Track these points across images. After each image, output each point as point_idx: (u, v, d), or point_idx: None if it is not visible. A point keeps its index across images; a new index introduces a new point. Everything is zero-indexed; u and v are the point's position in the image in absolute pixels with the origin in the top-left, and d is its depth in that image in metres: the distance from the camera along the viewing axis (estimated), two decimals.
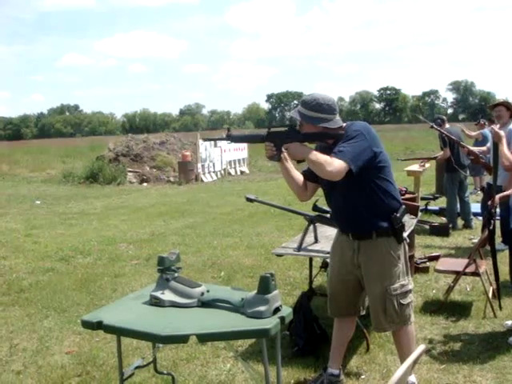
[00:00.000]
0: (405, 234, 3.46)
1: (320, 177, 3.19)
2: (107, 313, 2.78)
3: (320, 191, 3.57)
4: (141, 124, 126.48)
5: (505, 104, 6.62)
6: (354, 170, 3.05)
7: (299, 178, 3.44)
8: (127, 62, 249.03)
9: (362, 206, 3.26)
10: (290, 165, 3.35)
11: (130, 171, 19.45)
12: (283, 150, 3.23)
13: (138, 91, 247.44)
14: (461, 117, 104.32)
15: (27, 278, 6.69)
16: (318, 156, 3.09)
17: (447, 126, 9.21)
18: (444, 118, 9.30)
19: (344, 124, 3.28)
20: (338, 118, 3.27)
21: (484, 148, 7.12)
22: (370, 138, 3.17)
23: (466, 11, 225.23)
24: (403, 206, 3.41)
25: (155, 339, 2.67)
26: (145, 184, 18.64)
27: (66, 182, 19.25)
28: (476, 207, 8.93)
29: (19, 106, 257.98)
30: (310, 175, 3.40)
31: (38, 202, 14.15)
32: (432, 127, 7.33)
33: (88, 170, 19.26)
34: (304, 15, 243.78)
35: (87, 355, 4.36)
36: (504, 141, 4.37)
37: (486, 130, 13.30)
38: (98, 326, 2.63)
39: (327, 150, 3.20)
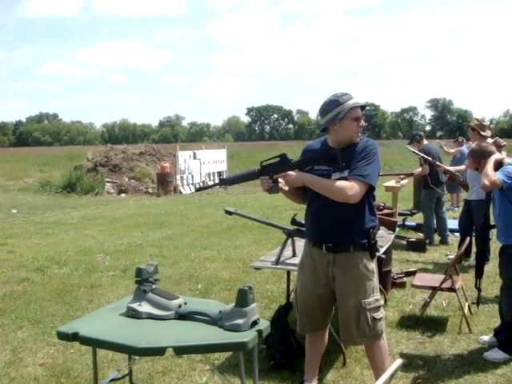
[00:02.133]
0: (382, 250, 3.50)
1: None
2: (83, 324, 2.75)
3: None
4: (120, 134, 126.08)
5: (470, 126, 7.33)
6: (375, 188, 3.25)
7: (300, 193, 3.51)
8: (108, 71, 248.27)
9: (349, 218, 3.29)
10: (289, 190, 3.40)
11: (108, 181, 19.33)
12: (280, 180, 3.29)
13: (118, 101, 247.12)
14: (438, 134, 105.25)
15: (1, 287, 6.60)
16: (329, 183, 3.20)
17: (425, 142, 9.30)
18: (422, 134, 9.40)
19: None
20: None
21: (462, 167, 7.22)
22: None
23: (444, 31, 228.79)
24: (378, 222, 3.47)
25: (132, 351, 2.65)
26: (123, 195, 18.54)
27: (43, 192, 19.06)
28: (453, 223, 9.00)
29: None
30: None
31: (15, 211, 13.98)
32: (408, 148, 7.48)
33: (66, 180, 19.09)
34: (286, 30, 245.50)
35: (61, 367, 4.30)
36: (491, 162, 4.36)
37: (464, 148, 13.48)
38: (74, 337, 2.61)
39: (320, 147, 3.35)
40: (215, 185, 3.55)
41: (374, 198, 3.39)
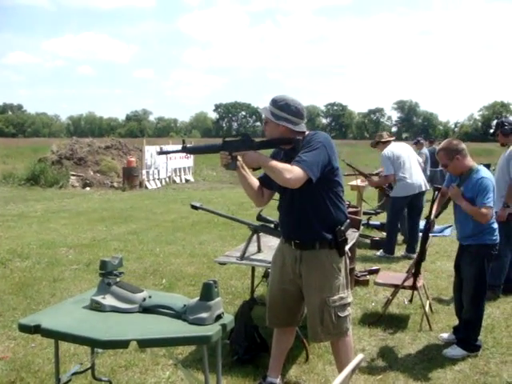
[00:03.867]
0: (346, 248, 3.53)
1: (275, 182, 3.23)
2: (46, 316, 2.72)
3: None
4: (86, 127, 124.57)
5: (373, 146, 8.37)
6: (314, 179, 3.12)
7: (256, 184, 3.49)
8: (75, 63, 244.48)
9: (312, 214, 3.32)
10: (247, 172, 3.40)
11: (73, 175, 19.10)
12: (238, 158, 3.27)
13: (84, 94, 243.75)
14: (404, 135, 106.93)
15: None
16: (276, 163, 3.15)
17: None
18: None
19: (307, 132, 3.34)
20: (303, 124, 3.34)
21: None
22: (331, 152, 3.25)
23: (412, 33, 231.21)
24: (348, 221, 3.48)
25: (95, 344, 2.64)
26: (88, 188, 18.34)
27: (6, 184, 18.73)
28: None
29: None
30: (265, 181, 3.46)
31: None
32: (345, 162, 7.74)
33: (29, 172, 18.80)
34: (257, 27, 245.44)
35: (22, 361, 4.24)
36: (461, 200, 4.39)
37: (425, 149, 13.73)
38: (36, 329, 2.58)
39: (283, 158, 3.28)
40: (178, 151, 3.55)
41: (338, 192, 3.37)
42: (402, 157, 7.86)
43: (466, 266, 4.49)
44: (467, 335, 4.47)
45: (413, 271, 5.12)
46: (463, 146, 4.44)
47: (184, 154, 20.66)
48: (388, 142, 8.09)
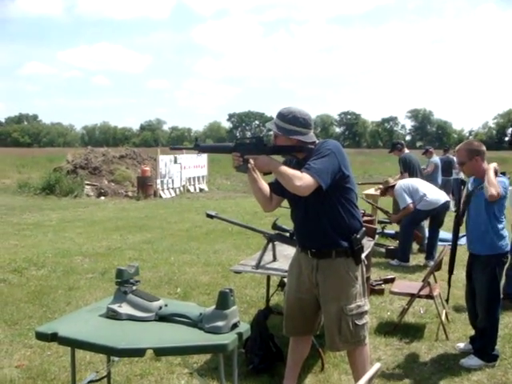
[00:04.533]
0: (363, 256, 3.51)
1: (287, 190, 3.22)
2: (62, 324, 2.73)
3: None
4: (100, 137, 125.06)
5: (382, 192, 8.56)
6: (324, 186, 3.10)
7: (266, 188, 3.46)
8: (90, 73, 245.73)
9: (326, 222, 3.30)
10: (257, 175, 3.38)
11: (87, 184, 19.21)
12: (250, 161, 3.27)
13: (99, 104, 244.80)
14: (418, 144, 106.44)
15: None
16: (286, 169, 3.14)
17: (406, 151, 9.43)
18: (403, 143, 9.53)
19: (317, 141, 3.34)
20: (312, 133, 3.34)
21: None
22: (341, 159, 3.23)
23: (426, 42, 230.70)
24: (363, 229, 3.46)
25: (111, 352, 2.64)
26: (102, 198, 18.42)
27: (22, 193, 18.87)
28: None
29: None
30: (276, 187, 3.44)
31: None
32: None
33: (45, 181, 18.92)
34: (270, 37, 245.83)
35: (38, 369, 4.26)
36: (491, 171, 4.36)
37: (436, 158, 13.64)
38: (53, 337, 2.59)
39: (295, 166, 3.26)
40: (190, 148, 3.55)
41: (352, 200, 3.35)
42: (412, 183, 8.01)
43: (478, 274, 4.45)
44: (483, 345, 4.43)
45: (429, 280, 5.09)
46: (484, 149, 4.43)
47: (198, 163, 20.88)
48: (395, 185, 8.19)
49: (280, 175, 3.17)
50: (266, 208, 3.55)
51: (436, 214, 7.95)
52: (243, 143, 3.32)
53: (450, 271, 4.87)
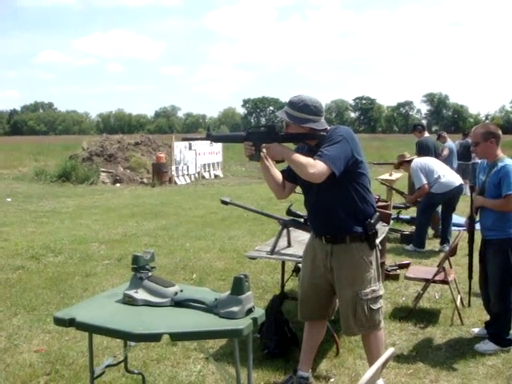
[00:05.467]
0: (377, 241, 3.52)
1: (299, 177, 3.23)
2: (80, 310, 2.77)
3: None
4: (115, 124, 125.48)
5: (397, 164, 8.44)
6: (337, 173, 3.11)
7: (278, 176, 3.47)
8: (105, 61, 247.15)
9: (339, 208, 3.31)
10: (270, 163, 3.39)
11: (103, 171, 19.31)
12: (262, 149, 3.27)
13: (114, 91, 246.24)
14: (434, 128, 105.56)
15: None
16: (299, 157, 3.14)
17: (426, 134, 9.41)
18: (424, 125, 9.47)
19: (328, 127, 3.34)
20: (323, 120, 3.33)
21: None
22: (353, 145, 3.23)
23: (442, 25, 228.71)
24: (377, 213, 3.47)
25: (128, 337, 2.67)
26: (118, 185, 18.52)
27: (38, 180, 19.01)
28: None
29: None
30: (288, 175, 3.45)
31: (9, 200, 13.96)
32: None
33: (61, 169, 19.03)
34: (284, 22, 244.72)
35: (56, 354, 4.33)
36: (485, 201, 4.44)
37: (450, 142, 13.53)
38: (71, 323, 2.62)
39: (307, 153, 3.26)
40: (202, 138, 3.56)
41: (365, 185, 3.36)
42: (428, 163, 7.91)
43: (491, 258, 4.44)
44: (498, 330, 4.43)
45: (444, 265, 5.08)
46: (500, 133, 4.43)
47: (213, 150, 20.89)
48: (411, 160, 8.08)
49: (293, 163, 3.18)
50: (278, 195, 3.57)
51: (451, 198, 7.88)
52: (255, 132, 3.33)
53: (470, 255, 4.85)
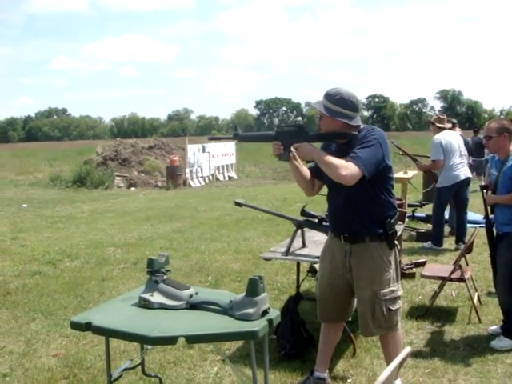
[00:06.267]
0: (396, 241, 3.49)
1: (325, 174, 3.21)
2: (96, 314, 2.78)
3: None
4: (129, 129, 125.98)
5: (429, 121, 8.37)
6: (368, 176, 3.09)
7: (307, 174, 3.46)
8: (117, 65, 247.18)
9: (363, 210, 3.29)
10: (299, 163, 3.37)
11: (117, 175, 19.42)
12: (292, 149, 3.25)
13: (127, 95, 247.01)
14: (448, 126, 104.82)
15: (14, 280, 6.66)
16: (332, 158, 3.10)
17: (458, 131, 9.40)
18: (455, 121, 9.38)
19: (362, 125, 3.31)
20: (358, 117, 3.30)
21: None
22: (385, 149, 3.22)
23: (454, 20, 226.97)
24: (397, 213, 3.45)
25: (144, 341, 2.69)
26: (132, 188, 18.62)
27: (54, 186, 19.15)
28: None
29: (8, 109, 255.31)
30: (315, 172, 3.42)
31: (25, 206, 14.07)
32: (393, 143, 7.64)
33: (75, 174, 19.17)
34: (295, 22, 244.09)
35: (74, 358, 4.35)
36: (497, 198, 4.43)
37: (468, 138, 13.43)
38: (87, 327, 2.64)
39: (335, 150, 3.26)
40: (229, 138, 3.57)
41: (389, 188, 3.35)
42: (452, 145, 7.77)
43: (502, 252, 4.41)
44: (511, 325, 4.40)
45: (460, 263, 5.05)
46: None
47: (226, 152, 20.93)
48: (442, 129, 7.99)
49: (324, 164, 3.13)
50: (308, 193, 3.56)
51: (458, 192, 7.81)
52: (284, 131, 3.28)
53: (492, 252, 4.78)
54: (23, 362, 4.30)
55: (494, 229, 4.63)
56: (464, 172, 7.79)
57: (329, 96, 3.26)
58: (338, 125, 3.26)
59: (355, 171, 3.05)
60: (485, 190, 4.73)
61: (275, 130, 3.31)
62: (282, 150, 3.25)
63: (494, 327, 4.72)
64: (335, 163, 3.06)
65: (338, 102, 3.22)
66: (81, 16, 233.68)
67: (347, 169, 3.04)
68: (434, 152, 7.82)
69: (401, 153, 8.95)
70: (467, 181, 7.86)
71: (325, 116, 3.28)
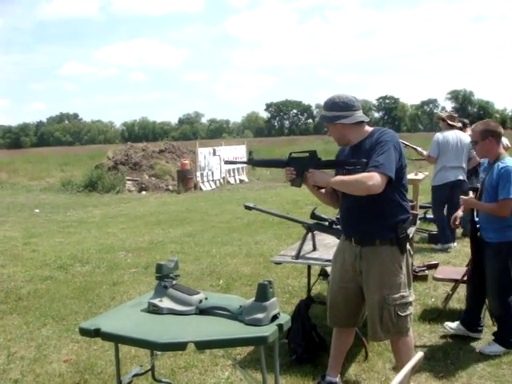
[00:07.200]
0: (408, 245, 3.45)
1: None
2: (105, 320, 2.77)
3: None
4: (140, 133, 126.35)
5: (441, 117, 8.31)
6: (394, 178, 3.15)
7: (328, 191, 3.52)
8: (128, 70, 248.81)
9: (375, 212, 3.28)
10: (314, 186, 3.43)
11: (128, 180, 19.44)
12: (305, 176, 3.32)
13: (137, 100, 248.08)
14: (458, 125, 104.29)
15: (25, 286, 6.68)
16: (347, 177, 3.18)
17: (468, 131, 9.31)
18: (466, 122, 9.29)
19: (365, 119, 3.36)
20: (357, 114, 3.31)
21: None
22: (400, 150, 3.25)
23: (465, 20, 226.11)
24: (410, 217, 3.42)
25: (153, 347, 2.67)
26: (143, 192, 18.63)
27: (65, 191, 19.20)
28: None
29: (19, 115, 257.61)
30: None
31: (37, 211, 14.12)
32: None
33: (87, 179, 19.21)
34: (305, 24, 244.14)
35: (85, 363, 4.35)
36: (477, 204, 4.39)
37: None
38: (96, 333, 2.63)
39: (349, 153, 3.37)
40: (243, 162, 3.69)
41: (402, 191, 3.35)
42: (449, 146, 7.80)
43: (489, 262, 4.33)
44: (502, 332, 4.36)
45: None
46: (501, 131, 4.32)
47: (237, 155, 20.92)
48: (452, 127, 7.98)
49: (344, 185, 3.23)
50: (336, 206, 3.62)
51: (451, 194, 7.73)
52: (296, 158, 3.38)
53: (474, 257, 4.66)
54: (34, 368, 4.30)
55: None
56: (455, 174, 7.79)
57: (324, 105, 3.39)
58: (339, 128, 3.34)
59: (382, 179, 3.09)
60: (471, 192, 4.67)
61: (288, 156, 3.41)
62: (295, 175, 3.34)
63: (452, 324, 4.69)
64: (356, 178, 3.12)
65: (332, 107, 3.32)
66: (91, 21, 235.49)
67: (371, 178, 3.08)
68: (431, 147, 8.00)
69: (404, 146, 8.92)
70: (458, 183, 7.77)
71: (327, 125, 3.40)
